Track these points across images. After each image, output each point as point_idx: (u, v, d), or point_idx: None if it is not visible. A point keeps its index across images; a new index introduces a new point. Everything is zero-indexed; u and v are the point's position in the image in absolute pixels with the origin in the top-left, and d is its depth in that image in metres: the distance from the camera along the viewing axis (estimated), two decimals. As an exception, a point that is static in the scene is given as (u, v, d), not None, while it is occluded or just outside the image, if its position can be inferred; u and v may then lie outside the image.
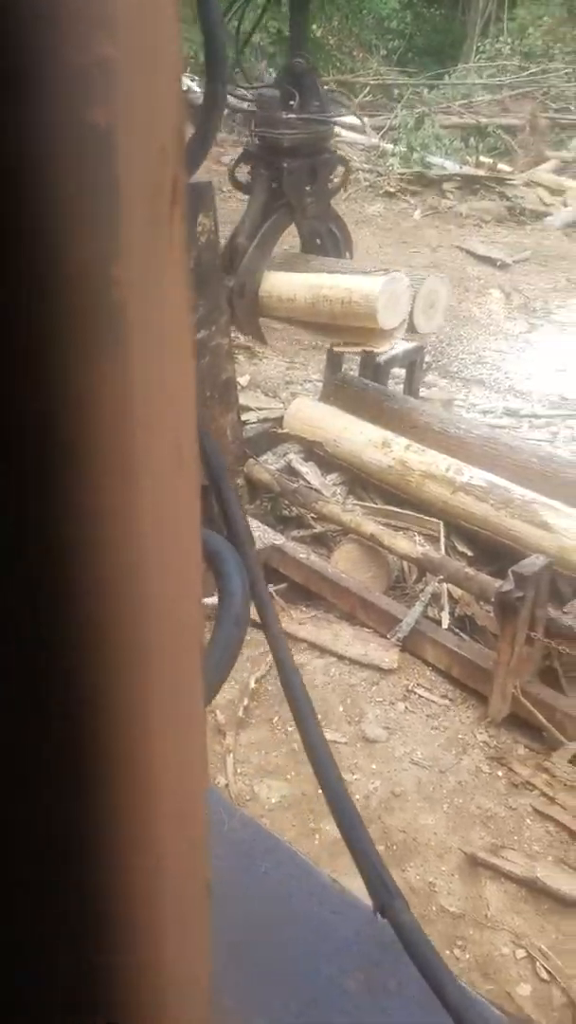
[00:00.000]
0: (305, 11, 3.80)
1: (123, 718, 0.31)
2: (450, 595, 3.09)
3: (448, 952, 2.28)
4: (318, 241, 3.93)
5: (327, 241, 3.96)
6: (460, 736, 2.80)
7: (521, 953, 2.33)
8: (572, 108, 11.43)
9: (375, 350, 3.69)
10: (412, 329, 3.60)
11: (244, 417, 3.95)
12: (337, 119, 4.39)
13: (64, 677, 0.30)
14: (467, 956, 2.33)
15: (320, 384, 4.20)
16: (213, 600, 0.64)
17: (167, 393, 0.28)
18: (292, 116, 3.61)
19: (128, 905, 0.35)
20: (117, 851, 0.33)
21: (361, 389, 3.79)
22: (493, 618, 2.85)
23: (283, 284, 3.74)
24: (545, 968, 2.27)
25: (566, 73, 12.35)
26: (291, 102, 3.63)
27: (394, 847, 2.53)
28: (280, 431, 3.81)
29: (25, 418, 0.27)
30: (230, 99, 3.60)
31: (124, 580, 0.29)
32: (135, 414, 0.27)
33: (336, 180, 3.95)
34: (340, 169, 3.99)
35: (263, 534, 3.21)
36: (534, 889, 2.40)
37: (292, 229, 3.89)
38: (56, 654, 0.30)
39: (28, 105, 0.24)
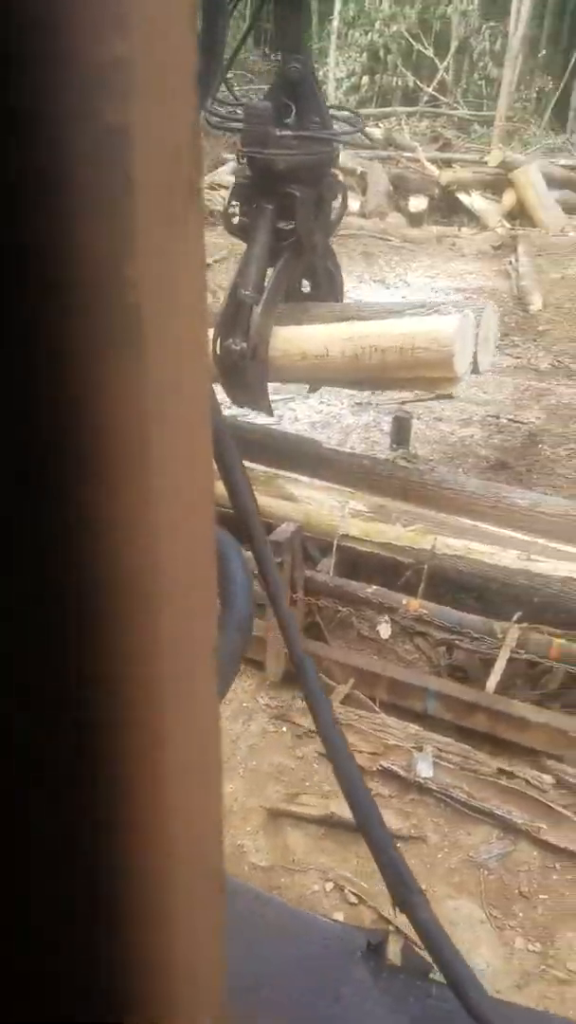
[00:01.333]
0: (299, 7, 2.92)
1: (137, 710, 0.30)
2: (215, 575, 3.15)
3: (268, 903, 2.37)
4: (303, 284, 3.15)
5: (323, 282, 3.16)
6: (245, 704, 2.89)
7: (330, 885, 2.48)
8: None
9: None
10: (475, 369, 2.98)
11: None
12: (344, 137, 3.22)
13: (77, 673, 0.28)
14: (283, 901, 2.43)
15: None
16: None
17: (182, 393, 0.27)
18: (301, 133, 2.80)
19: (139, 899, 0.34)
20: (128, 845, 0.32)
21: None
22: (259, 588, 2.95)
23: (307, 339, 2.91)
24: (353, 893, 2.44)
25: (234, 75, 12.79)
26: (286, 119, 2.81)
27: (201, 821, 2.56)
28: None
29: (41, 417, 0.25)
30: (213, 118, 2.84)
31: (138, 578, 0.28)
32: (150, 413, 0.26)
33: (336, 209, 3.15)
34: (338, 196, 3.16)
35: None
36: (331, 825, 2.56)
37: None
38: (69, 650, 0.28)
39: (43, 104, 0.22)
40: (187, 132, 0.25)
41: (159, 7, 0.23)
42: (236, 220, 2.96)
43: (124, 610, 0.28)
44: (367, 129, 11.11)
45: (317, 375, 3.05)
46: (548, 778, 2.60)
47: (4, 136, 0.23)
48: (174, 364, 0.27)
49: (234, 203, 2.96)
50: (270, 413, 3.34)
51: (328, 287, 3.18)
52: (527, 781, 2.60)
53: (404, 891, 0.67)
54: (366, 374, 2.94)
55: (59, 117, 0.22)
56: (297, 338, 2.94)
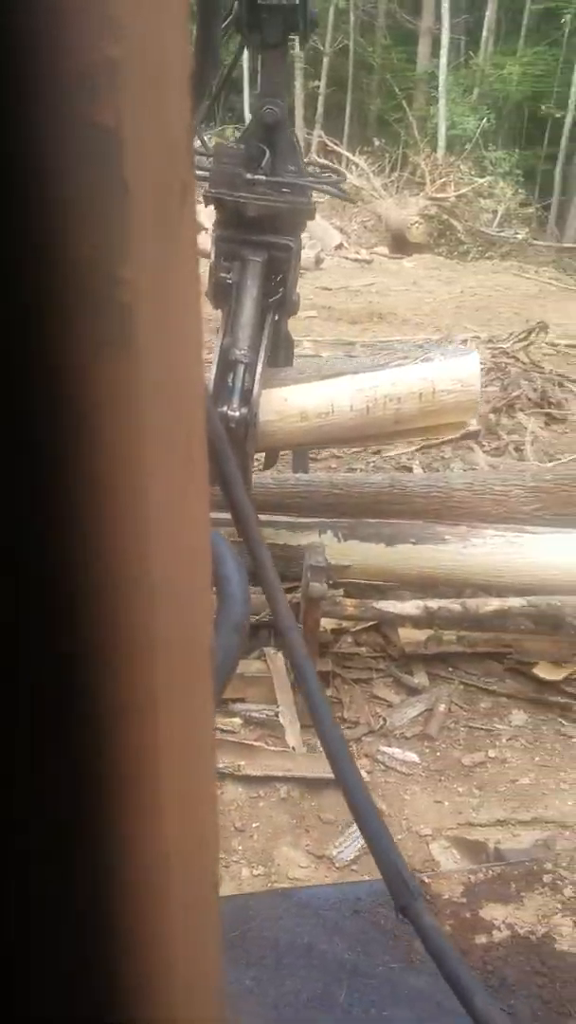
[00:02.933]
0: (284, 46, 2.49)
1: (132, 713, 0.29)
2: None
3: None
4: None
5: (281, 344, 2.65)
6: None
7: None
8: None
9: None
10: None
11: None
12: (324, 186, 2.71)
13: (71, 676, 0.27)
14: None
15: None
16: None
17: (176, 394, 0.26)
18: (302, 181, 2.41)
19: (135, 905, 0.32)
20: (123, 849, 0.31)
21: None
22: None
23: (307, 397, 2.44)
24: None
25: None
26: (260, 167, 2.40)
27: None
28: None
29: (32, 420, 0.23)
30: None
31: (133, 580, 0.27)
32: (143, 415, 0.25)
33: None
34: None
35: None
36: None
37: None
38: (63, 651, 0.27)
39: (34, 105, 0.21)
40: (181, 133, 0.24)
41: (152, 8, 0.22)
42: (215, 280, 2.52)
43: (118, 612, 0.27)
44: None
45: (318, 436, 2.61)
46: (237, 720, 2.78)
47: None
48: (168, 364, 0.25)
49: (222, 262, 2.50)
50: (250, 484, 2.77)
51: (286, 349, 2.79)
52: (220, 729, 2.75)
53: (406, 895, 0.65)
54: (377, 428, 2.54)
55: (51, 119, 0.21)
56: (294, 397, 2.51)
